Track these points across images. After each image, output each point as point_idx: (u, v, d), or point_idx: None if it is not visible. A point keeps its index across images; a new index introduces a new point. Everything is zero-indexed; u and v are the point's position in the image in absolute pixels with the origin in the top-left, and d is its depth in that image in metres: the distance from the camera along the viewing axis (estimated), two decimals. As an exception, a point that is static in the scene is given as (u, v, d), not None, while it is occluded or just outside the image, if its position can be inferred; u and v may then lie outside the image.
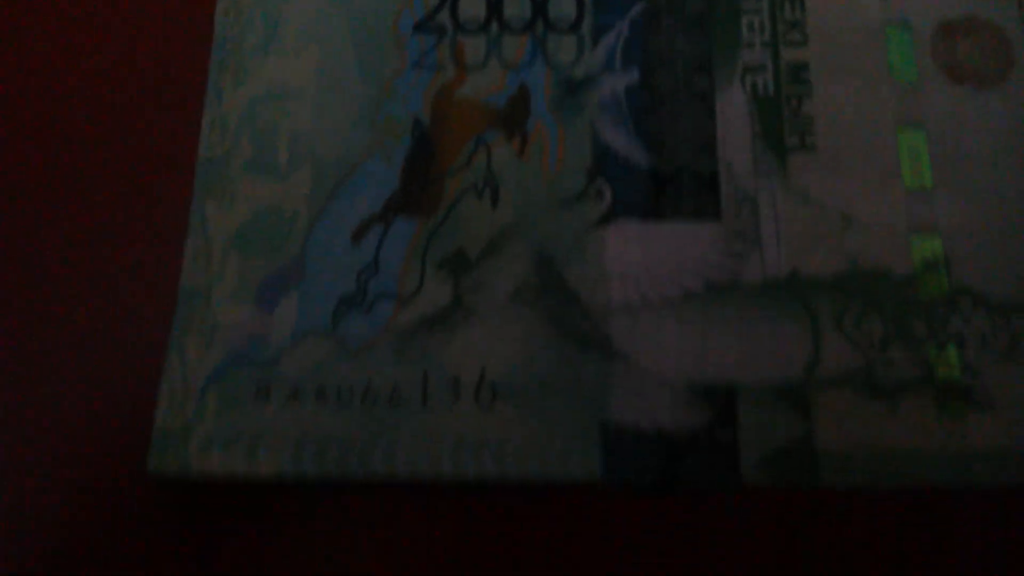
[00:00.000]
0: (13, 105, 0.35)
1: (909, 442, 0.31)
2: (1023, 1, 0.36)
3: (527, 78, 0.36)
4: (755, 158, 0.34)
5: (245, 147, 0.35)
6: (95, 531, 0.30)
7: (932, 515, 0.30)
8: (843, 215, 0.33)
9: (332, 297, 0.33)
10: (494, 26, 0.36)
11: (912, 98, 0.35)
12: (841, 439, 0.31)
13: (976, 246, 0.33)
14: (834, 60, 0.36)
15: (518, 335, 0.32)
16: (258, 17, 0.37)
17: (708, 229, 0.33)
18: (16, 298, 0.32)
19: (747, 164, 0.34)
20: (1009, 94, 0.35)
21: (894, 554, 0.30)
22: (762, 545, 0.30)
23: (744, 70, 0.35)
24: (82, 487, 0.31)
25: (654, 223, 0.34)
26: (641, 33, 0.36)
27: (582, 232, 0.33)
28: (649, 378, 0.31)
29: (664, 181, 0.34)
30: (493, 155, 0.35)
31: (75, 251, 0.34)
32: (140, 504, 0.30)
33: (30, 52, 0.36)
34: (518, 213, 0.34)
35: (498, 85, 0.36)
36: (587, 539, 0.30)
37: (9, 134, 0.34)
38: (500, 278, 0.33)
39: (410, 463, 0.31)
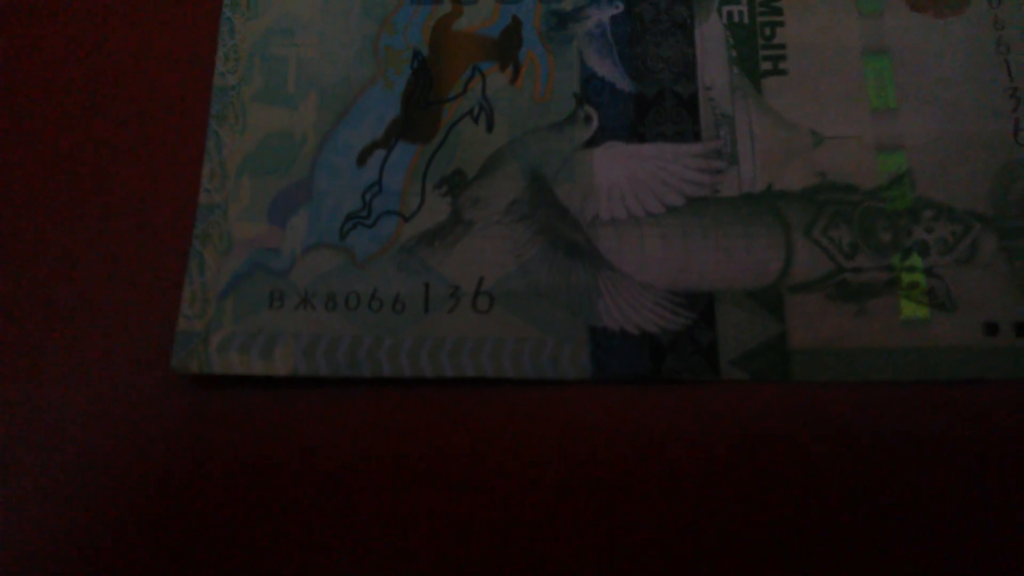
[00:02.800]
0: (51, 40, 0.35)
1: (875, 341, 0.31)
2: None
3: (519, 11, 0.36)
4: (732, 82, 0.34)
5: (256, 77, 0.35)
6: (124, 424, 0.30)
7: (895, 407, 0.30)
8: (814, 133, 0.34)
9: (339, 214, 0.33)
10: None
11: (877, 26, 0.35)
12: (812, 338, 0.31)
13: (938, 160, 0.33)
14: None
15: (512, 247, 0.32)
16: (266, -44, 0.36)
17: (688, 148, 0.34)
18: (57, 213, 0.33)
19: (724, 88, 0.34)
20: (969, 20, 0.35)
21: (859, 444, 0.30)
22: (739, 433, 0.30)
23: (721, 1, 0.35)
24: (113, 384, 0.31)
25: (638, 143, 0.34)
26: None
27: (571, 153, 0.34)
28: (634, 285, 0.32)
29: (647, 105, 0.34)
30: (488, 83, 0.35)
31: (104, 171, 0.34)
32: (165, 400, 0.30)
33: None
34: (511, 136, 0.34)
35: (492, 18, 0.36)
36: (579, 431, 0.30)
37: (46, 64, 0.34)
38: (495, 195, 0.33)
39: (413, 362, 0.31)
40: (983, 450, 0.30)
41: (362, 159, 0.34)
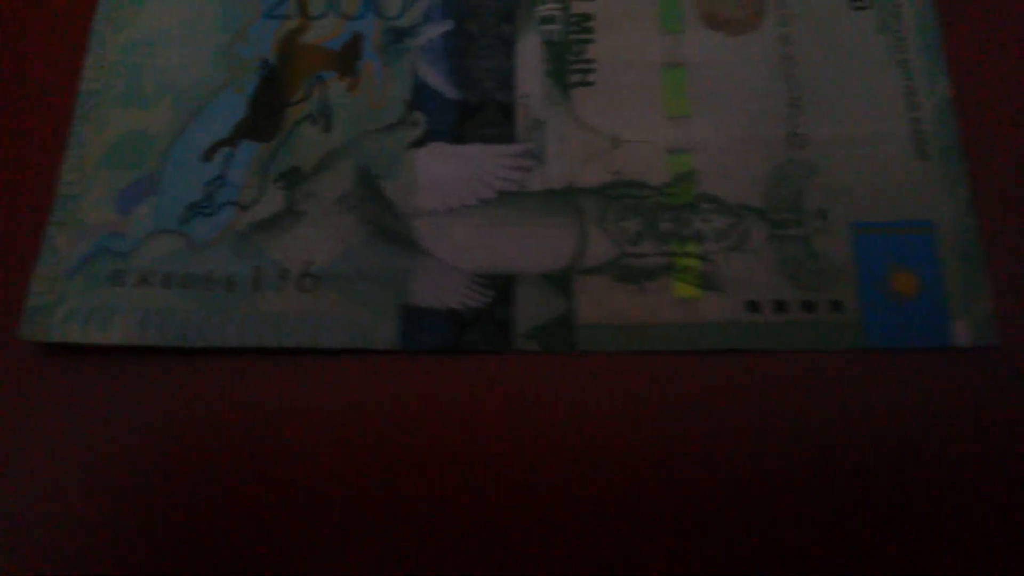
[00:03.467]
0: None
1: (651, 317, 0.36)
2: None
3: (360, 27, 0.41)
4: (545, 92, 0.39)
5: (118, 83, 0.40)
6: None
7: (666, 374, 0.36)
8: (613, 137, 0.39)
9: (182, 204, 0.38)
10: None
11: (677, 43, 0.40)
12: (596, 315, 0.36)
13: (720, 161, 0.38)
14: (614, 12, 0.41)
15: (339, 234, 0.37)
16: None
17: (504, 149, 0.39)
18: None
19: (538, 97, 0.39)
20: (759, 37, 0.40)
21: (633, 406, 0.36)
22: (529, 396, 0.35)
23: (541, 20, 0.40)
24: None
25: (460, 145, 0.39)
26: None
27: (399, 152, 0.39)
28: (444, 268, 0.37)
29: (470, 111, 0.39)
30: (328, 90, 0.40)
31: None
32: (13, 369, 0.35)
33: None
34: (346, 137, 0.39)
35: (335, 32, 0.41)
36: (388, 395, 0.35)
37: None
38: (327, 189, 0.38)
39: (239, 334, 0.36)
40: (743, 411, 0.36)
41: (208, 155, 0.39)
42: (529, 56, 0.40)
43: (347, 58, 0.40)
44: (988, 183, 0.38)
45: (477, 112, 0.39)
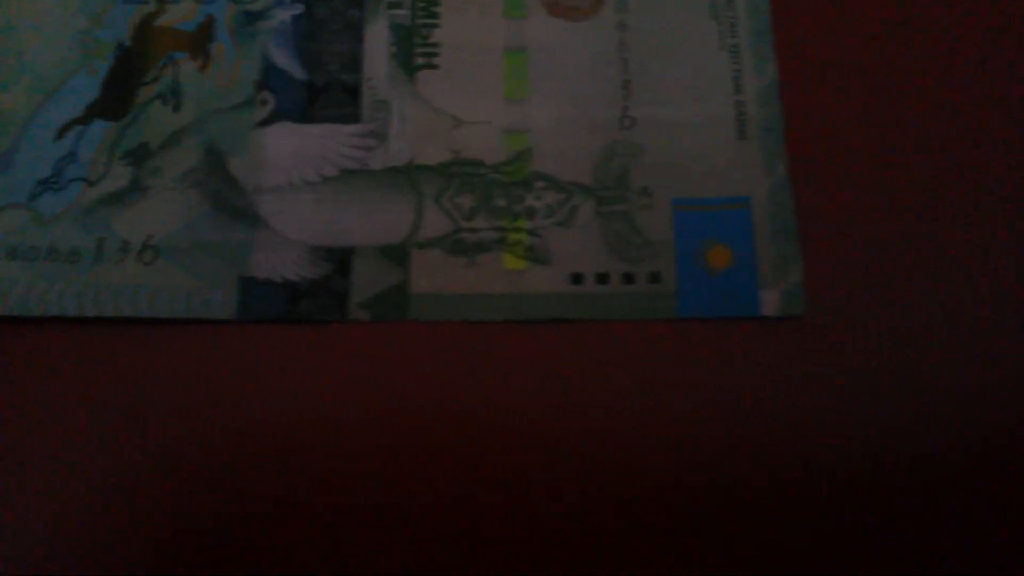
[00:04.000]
0: None
1: (481, 288, 0.38)
2: None
3: (213, 9, 0.43)
4: (390, 74, 0.41)
5: None
6: None
7: (495, 344, 0.38)
8: (454, 117, 0.41)
9: (33, 180, 0.39)
10: None
11: (519, 29, 0.42)
12: (429, 285, 0.38)
13: (556, 142, 0.40)
14: None
15: (181, 209, 0.39)
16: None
17: (349, 128, 0.41)
18: None
19: (384, 79, 0.41)
20: (598, 23, 0.42)
21: (462, 373, 0.38)
22: (365, 363, 0.37)
23: (388, 5, 0.42)
24: None
25: (307, 125, 0.40)
26: None
27: (246, 131, 0.40)
28: (284, 241, 0.39)
29: (317, 92, 0.41)
30: (180, 70, 0.42)
31: None
32: None
33: None
34: (196, 116, 0.41)
35: (190, 15, 0.42)
36: (225, 364, 0.37)
37: None
38: (173, 165, 0.40)
39: (79, 304, 0.37)
40: (566, 378, 0.38)
41: (61, 133, 0.40)
42: (376, 40, 0.42)
43: (199, 39, 0.42)
44: (805, 162, 0.41)
45: (324, 93, 0.41)
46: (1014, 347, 0.37)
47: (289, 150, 0.40)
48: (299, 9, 0.42)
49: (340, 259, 0.38)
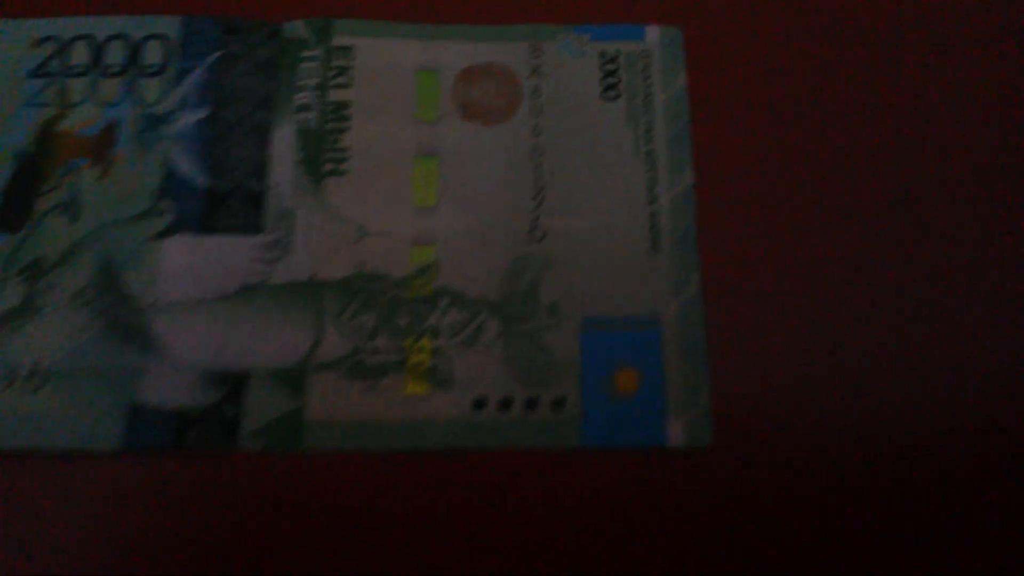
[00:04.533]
0: None
1: (380, 415, 0.37)
2: (534, 51, 0.42)
3: (117, 114, 0.41)
4: (296, 181, 0.40)
5: None
6: None
7: (391, 475, 0.37)
8: (360, 228, 0.39)
9: None
10: (95, 71, 0.42)
11: (431, 133, 0.41)
12: (325, 412, 0.37)
13: (462, 253, 0.39)
14: (372, 101, 0.41)
15: (72, 330, 0.38)
16: None
17: (251, 240, 0.39)
18: None
19: (290, 186, 0.40)
20: (512, 128, 0.41)
21: (353, 508, 0.37)
22: (252, 496, 0.36)
23: (297, 108, 0.41)
24: None
25: (207, 235, 0.39)
26: (215, 76, 0.41)
27: (144, 243, 0.39)
28: (176, 366, 0.37)
29: (219, 199, 0.40)
30: (80, 178, 0.40)
31: None
32: None
33: None
34: (93, 228, 0.39)
35: (92, 119, 0.41)
36: (111, 496, 0.36)
37: None
38: (67, 282, 0.38)
39: None
40: (464, 513, 0.37)
41: None
42: (283, 144, 0.40)
43: (100, 145, 0.40)
44: (718, 278, 0.39)
45: (226, 201, 0.39)
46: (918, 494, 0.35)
47: (187, 263, 0.39)
48: (204, 112, 0.41)
49: (233, 384, 0.37)
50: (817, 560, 0.34)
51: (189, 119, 0.41)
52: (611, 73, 0.42)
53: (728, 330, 0.37)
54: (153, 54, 0.42)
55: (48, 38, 0.42)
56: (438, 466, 0.36)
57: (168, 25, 0.42)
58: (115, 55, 0.42)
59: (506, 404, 0.36)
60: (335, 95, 0.41)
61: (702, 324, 0.37)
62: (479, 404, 0.36)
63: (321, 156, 0.40)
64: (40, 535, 0.35)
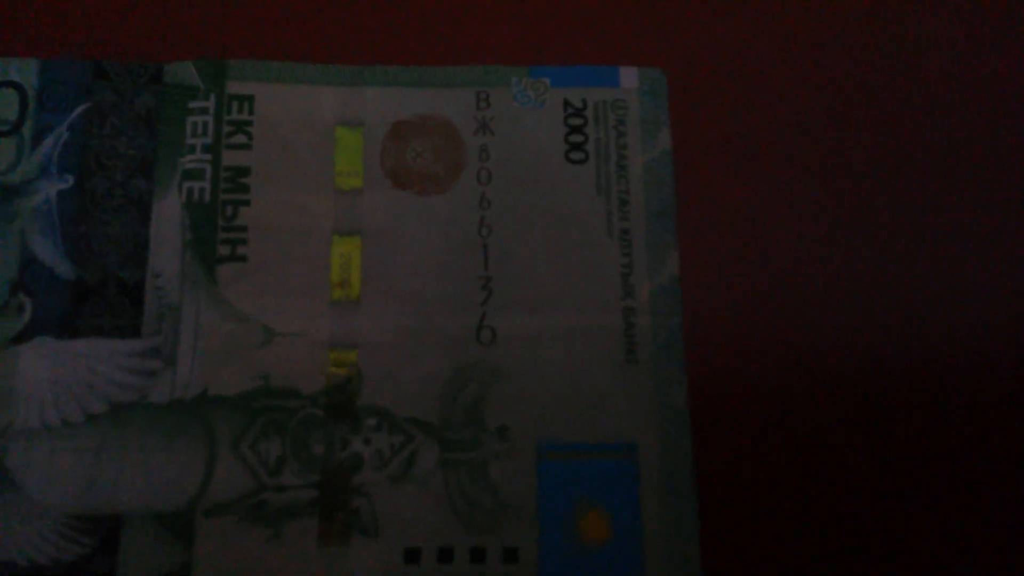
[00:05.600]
0: None
1: (288, 569, 0.31)
2: (481, 99, 0.36)
3: None
4: (183, 269, 0.34)
5: None
6: None
7: None
8: (265, 328, 0.34)
9: None
10: None
11: (353, 205, 0.36)
12: (219, 565, 0.32)
13: (393, 360, 0.34)
14: (278, 165, 0.36)
15: None
16: None
17: (125, 345, 0.34)
18: None
19: (175, 275, 0.35)
20: (454, 198, 0.35)
21: None
22: None
23: (184, 174, 0.35)
24: None
25: (70, 340, 0.34)
26: (82, 135, 0.35)
27: None
28: (32, 508, 0.32)
29: (87, 294, 0.34)
30: None
31: None
32: None
33: None
34: None
35: None
36: None
37: None
38: None
39: None
40: None
41: None
42: (167, 222, 0.35)
43: None
44: (710, 396, 0.35)
45: (95, 295, 0.34)
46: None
47: (47, 377, 0.34)
48: (68, 182, 0.35)
49: (105, 532, 0.33)
50: None
51: (50, 191, 0.35)
52: (577, 129, 0.36)
53: (721, 461, 0.32)
54: (6, 107, 0.36)
55: None
56: None
57: (23, 70, 0.36)
58: (-44, 109, 0.35)
59: (445, 555, 0.32)
60: (231, 158, 0.36)
61: (689, 453, 0.32)
62: (411, 556, 0.32)
63: (214, 237, 0.35)
64: None
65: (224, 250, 0.35)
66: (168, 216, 0.35)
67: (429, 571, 0.32)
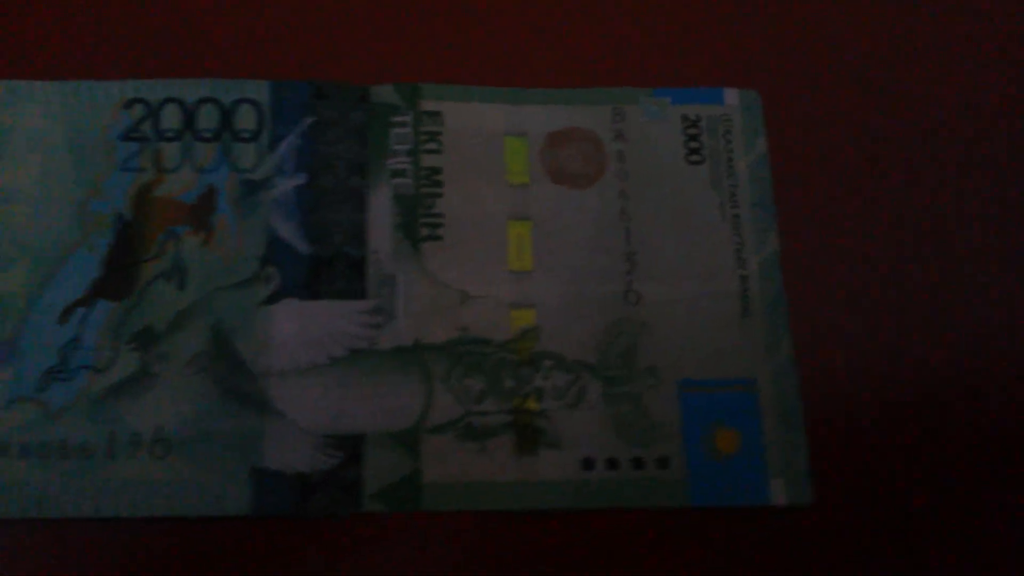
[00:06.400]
0: None
1: (494, 475, 0.42)
2: (616, 114, 0.48)
3: (214, 179, 0.46)
4: (395, 246, 0.45)
5: None
6: None
7: (507, 534, 0.42)
8: (461, 292, 0.45)
9: (39, 369, 0.43)
10: (188, 136, 0.47)
11: (522, 196, 0.46)
12: (441, 474, 0.42)
13: (561, 318, 0.45)
14: (463, 165, 0.47)
15: (191, 397, 0.43)
16: (-14, 128, 0.44)
17: (354, 305, 0.44)
18: None
19: (389, 251, 0.45)
20: (600, 191, 0.47)
21: (481, 563, 0.42)
22: (377, 561, 0.41)
23: (391, 173, 0.47)
24: None
25: (312, 302, 0.44)
26: (310, 142, 0.47)
27: (252, 309, 0.44)
28: (294, 430, 0.42)
29: (321, 266, 0.45)
30: (183, 245, 0.45)
31: None
32: None
33: None
34: (201, 294, 0.44)
35: (190, 185, 0.46)
36: (241, 562, 0.41)
37: None
38: (180, 350, 0.43)
39: (95, 505, 0.41)
40: (580, 569, 0.42)
41: (63, 317, 0.44)
42: (380, 210, 0.46)
43: (201, 212, 0.45)
44: (808, 340, 0.45)
45: (328, 267, 0.45)
46: None
47: (295, 330, 0.44)
48: (302, 179, 0.46)
49: (351, 448, 0.43)
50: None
51: (287, 185, 0.46)
52: (694, 137, 0.48)
53: (822, 391, 0.44)
54: (245, 119, 0.47)
55: (137, 100, 0.47)
56: (550, 523, 0.42)
57: (257, 89, 0.47)
58: (208, 120, 0.47)
59: (613, 464, 0.42)
60: (427, 160, 0.47)
61: (796, 387, 0.43)
62: (587, 464, 0.42)
63: (417, 221, 0.46)
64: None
65: (425, 231, 0.46)
66: (380, 205, 0.47)
67: (601, 475, 0.43)
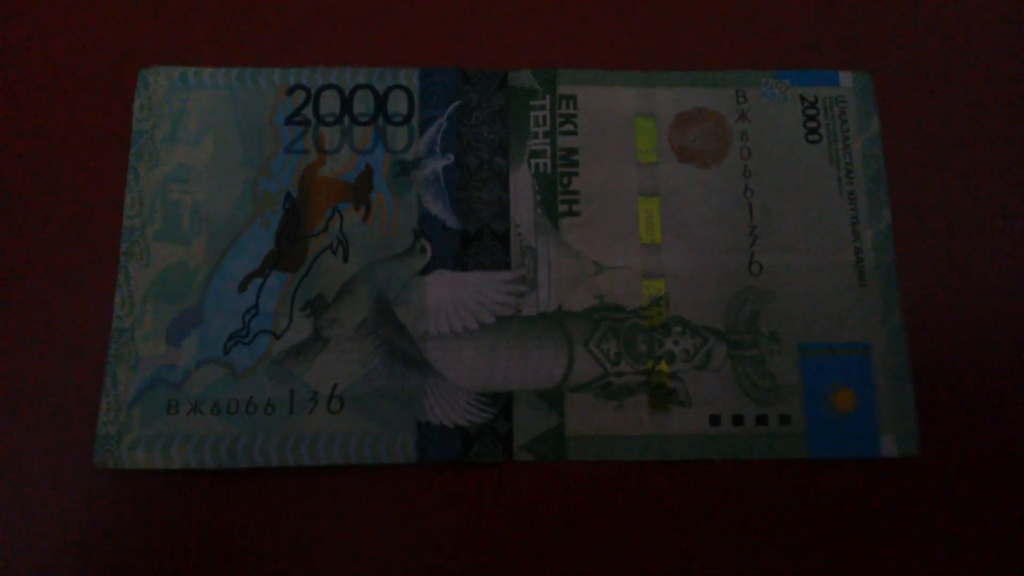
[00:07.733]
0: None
1: (630, 430, 0.47)
2: (740, 96, 0.52)
3: (371, 160, 0.51)
4: (536, 221, 0.50)
5: (157, 219, 0.50)
6: (52, 512, 0.47)
7: (643, 481, 0.47)
8: (596, 263, 0.49)
9: (224, 334, 0.48)
10: (346, 119, 0.52)
11: (651, 174, 0.51)
12: (583, 428, 0.47)
13: (689, 287, 0.49)
14: (596, 145, 0.51)
15: (360, 358, 0.48)
16: (166, 114, 0.51)
17: (500, 276, 0.49)
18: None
19: (530, 226, 0.50)
20: (725, 169, 0.51)
21: (615, 509, 0.47)
22: (528, 503, 0.47)
23: (531, 153, 0.51)
24: (43, 479, 0.46)
25: (462, 271, 0.49)
26: (456, 125, 0.51)
27: (409, 279, 0.49)
28: (452, 388, 0.48)
29: (469, 240, 0.50)
30: (344, 220, 0.50)
31: (31, 303, 0.49)
32: (87, 492, 0.47)
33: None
34: (363, 265, 0.49)
35: (349, 165, 0.51)
36: (406, 503, 0.47)
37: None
38: (348, 315, 0.49)
39: (280, 454, 0.47)
40: (707, 515, 0.47)
41: (243, 286, 0.49)
42: (522, 188, 0.50)
43: (361, 190, 0.50)
44: (920, 308, 0.49)
45: (476, 240, 0.50)
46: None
47: (448, 298, 0.49)
48: (449, 160, 0.51)
49: (502, 404, 0.47)
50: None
51: (436, 165, 0.51)
52: (812, 117, 0.51)
53: (930, 354, 0.48)
54: (397, 104, 0.51)
55: (298, 87, 0.51)
56: (681, 474, 0.47)
57: (408, 76, 0.51)
58: (363, 105, 0.51)
59: (738, 420, 0.47)
60: (564, 141, 0.51)
61: (907, 350, 0.47)
62: (715, 420, 0.47)
63: (556, 198, 0.50)
64: (351, 542, 0.46)
65: (563, 207, 0.51)
66: (522, 184, 0.51)
67: (727, 431, 0.48)
